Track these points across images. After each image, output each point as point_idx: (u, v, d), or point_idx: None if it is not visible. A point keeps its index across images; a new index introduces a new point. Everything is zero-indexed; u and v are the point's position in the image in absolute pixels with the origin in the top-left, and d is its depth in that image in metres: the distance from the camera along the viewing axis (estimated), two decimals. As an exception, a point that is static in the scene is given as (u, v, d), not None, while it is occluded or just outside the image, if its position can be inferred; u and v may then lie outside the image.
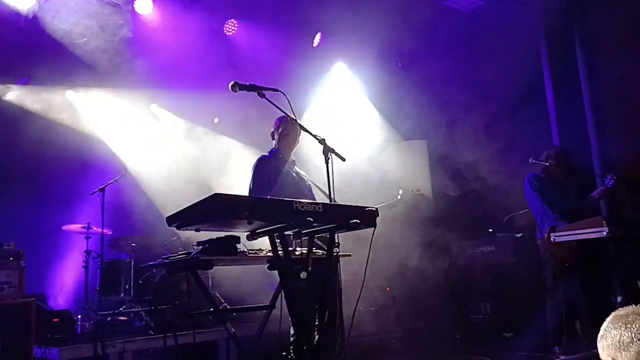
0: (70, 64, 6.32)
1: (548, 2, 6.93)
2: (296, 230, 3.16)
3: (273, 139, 4.62)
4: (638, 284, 4.58)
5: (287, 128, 4.49)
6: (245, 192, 4.35)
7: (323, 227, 3.15)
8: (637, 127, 5.67)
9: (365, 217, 3.21)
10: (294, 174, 4.55)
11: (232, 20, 7.32)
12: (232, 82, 3.28)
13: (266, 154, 4.58)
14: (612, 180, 5.19)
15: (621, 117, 6.15)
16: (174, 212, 2.86)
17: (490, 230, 7.41)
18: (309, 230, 3.19)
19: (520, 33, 6.81)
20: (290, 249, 3.20)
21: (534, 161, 5.39)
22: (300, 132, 4.44)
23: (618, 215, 5.28)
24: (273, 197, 3.19)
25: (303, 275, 2.98)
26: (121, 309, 6.16)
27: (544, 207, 5.19)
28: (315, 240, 3.58)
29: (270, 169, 4.41)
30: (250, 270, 6.95)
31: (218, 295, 6.46)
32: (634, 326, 1.64)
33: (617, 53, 6.31)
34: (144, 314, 5.96)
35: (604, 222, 4.44)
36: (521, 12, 7.14)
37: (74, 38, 5.90)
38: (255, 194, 4.24)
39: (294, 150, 4.62)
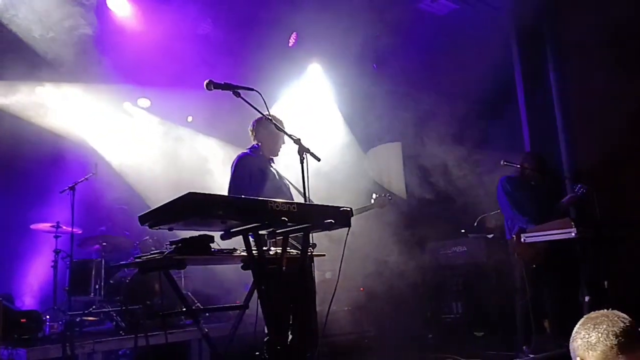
0: (38, 60, 6.19)
1: (521, 8, 7.05)
2: (270, 229, 3.15)
3: (254, 137, 4.59)
4: (605, 284, 4.68)
5: (277, 136, 4.43)
6: (223, 191, 4.33)
7: (297, 227, 3.15)
8: (605, 131, 5.81)
9: (339, 217, 3.22)
10: (274, 172, 4.54)
11: (207, 19, 7.26)
12: (207, 81, 3.26)
13: (246, 151, 4.54)
14: (582, 190, 5.32)
15: (590, 122, 6.29)
16: (147, 210, 2.83)
17: (463, 231, 7.51)
18: (283, 230, 3.18)
19: (493, 37, 6.91)
20: (264, 248, 3.19)
21: (506, 163, 5.46)
22: (284, 139, 4.42)
23: (586, 216, 5.40)
24: (248, 197, 3.17)
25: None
26: (91, 309, 6.05)
27: (514, 210, 5.28)
28: (291, 240, 3.58)
29: (250, 166, 4.37)
30: (224, 270, 6.92)
31: (191, 295, 6.40)
32: (601, 327, 1.73)
33: (587, 58, 6.45)
34: (114, 315, 5.87)
35: (573, 223, 4.54)
36: (494, 17, 7.26)
37: (39, 33, 5.79)
38: (235, 191, 4.21)
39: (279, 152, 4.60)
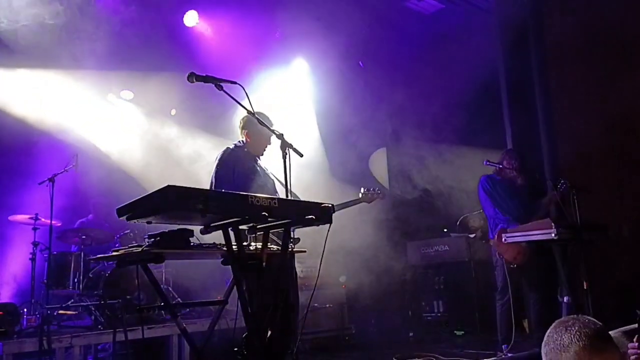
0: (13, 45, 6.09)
1: (505, 8, 7.11)
2: (251, 225, 3.12)
3: (241, 132, 4.55)
4: (584, 284, 4.73)
5: (263, 133, 4.38)
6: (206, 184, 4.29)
7: (278, 223, 3.13)
8: (587, 131, 5.87)
9: (321, 213, 3.20)
10: (259, 168, 4.51)
11: (193, 10, 7.21)
12: (189, 73, 3.21)
13: (231, 146, 4.51)
14: (564, 185, 5.34)
15: (572, 122, 6.35)
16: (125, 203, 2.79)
17: (445, 230, 7.55)
18: (264, 225, 3.16)
19: (478, 37, 6.94)
20: (245, 243, 3.16)
21: (488, 163, 5.48)
22: (272, 135, 4.37)
23: (566, 217, 5.45)
24: (229, 191, 3.14)
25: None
26: (69, 303, 5.97)
27: (496, 210, 5.31)
28: (271, 235, 3.55)
29: (235, 161, 4.34)
30: (206, 265, 6.88)
31: (171, 290, 6.35)
32: (573, 328, 1.76)
33: (570, 58, 6.52)
34: (93, 309, 5.80)
35: (553, 224, 4.57)
36: (480, 17, 7.30)
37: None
38: (219, 184, 4.17)
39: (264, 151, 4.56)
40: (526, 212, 5.33)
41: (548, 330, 1.86)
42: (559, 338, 1.77)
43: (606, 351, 1.74)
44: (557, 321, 1.87)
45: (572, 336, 1.74)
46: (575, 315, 1.86)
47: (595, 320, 1.82)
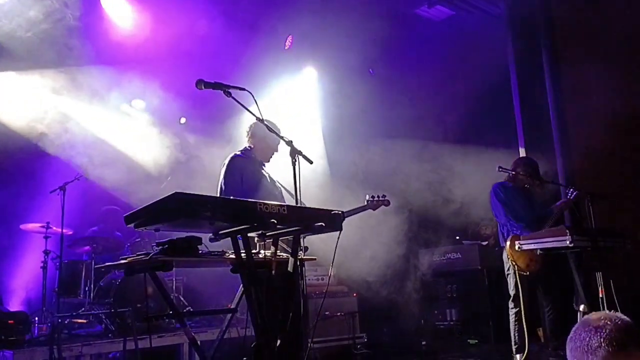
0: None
1: (515, 14, 7.07)
2: (260, 232, 3.09)
3: (249, 139, 4.54)
4: (600, 292, 4.64)
5: (271, 140, 4.37)
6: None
7: (287, 230, 3.10)
8: (600, 138, 5.78)
9: (331, 220, 3.16)
10: (266, 176, 4.49)
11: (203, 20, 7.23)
12: (197, 80, 3.21)
13: (238, 152, 4.49)
14: (574, 193, 5.29)
15: (585, 128, 6.26)
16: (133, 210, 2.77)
17: (457, 237, 7.47)
18: (273, 232, 3.13)
19: (488, 43, 6.90)
20: (254, 251, 3.13)
21: (501, 169, 5.43)
22: (279, 143, 4.35)
23: (581, 225, 5.36)
24: (238, 198, 3.12)
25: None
26: (80, 311, 5.97)
27: (508, 217, 5.25)
28: (281, 243, 3.52)
29: (243, 168, 4.33)
30: (216, 273, 6.85)
31: (182, 298, 6.33)
32: (604, 331, 1.65)
33: (581, 64, 6.45)
34: (103, 317, 5.79)
35: (568, 231, 4.50)
36: (490, 23, 7.26)
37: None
38: (227, 192, 4.15)
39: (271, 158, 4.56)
40: (539, 220, 5.26)
41: (576, 326, 1.74)
42: (587, 338, 1.66)
43: (634, 357, 1.64)
44: (586, 317, 1.75)
45: (601, 339, 1.63)
46: (606, 313, 1.74)
47: (627, 319, 1.70)
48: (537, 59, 6.93)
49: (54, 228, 6.23)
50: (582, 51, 6.52)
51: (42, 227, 6.27)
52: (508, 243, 5.18)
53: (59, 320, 5.46)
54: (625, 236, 5.01)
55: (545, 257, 4.99)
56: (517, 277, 5.12)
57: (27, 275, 6.86)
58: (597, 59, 6.17)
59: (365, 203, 5.34)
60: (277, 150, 4.47)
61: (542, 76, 6.83)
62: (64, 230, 5.98)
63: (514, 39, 7.16)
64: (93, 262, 6.31)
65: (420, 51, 7.58)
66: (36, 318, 5.73)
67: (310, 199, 4.35)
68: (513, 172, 5.40)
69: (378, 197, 5.34)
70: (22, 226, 6.52)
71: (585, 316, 1.77)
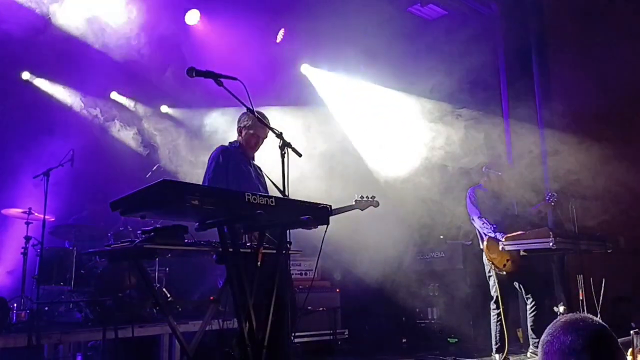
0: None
1: (507, 15, 7.11)
2: (247, 223, 3.07)
3: (238, 131, 4.50)
4: (580, 294, 4.70)
5: (258, 130, 4.32)
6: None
7: (273, 222, 3.09)
8: (588, 140, 5.83)
9: (318, 213, 3.16)
10: (252, 168, 4.46)
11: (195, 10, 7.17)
12: (189, 67, 3.17)
13: (226, 144, 4.45)
14: (552, 196, 5.36)
15: (573, 130, 6.32)
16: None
17: (442, 237, 7.51)
18: (260, 223, 3.11)
19: (479, 43, 6.93)
20: (240, 242, 3.12)
21: (487, 170, 5.49)
22: (267, 133, 4.30)
23: (563, 227, 5.42)
24: (224, 188, 3.10)
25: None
26: (60, 299, 5.90)
27: (482, 219, 5.31)
28: (268, 235, 3.50)
29: (229, 160, 4.28)
30: (199, 265, 6.82)
31: (165, 290, 6.28)
32: (583, 332, 1.64)
33: (572, 66, 6.51)
34: (83, 305, 5.73)
35: (551, 233, 4.55)
36: (481, 23, 7.30)
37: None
38: (212, 182, 4.12)
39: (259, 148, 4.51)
40: (511, 222, 5.33)
41: (551, 328, 1.73)
42: (568, 340, 1.65)
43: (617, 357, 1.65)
44: (562, 320, 1.74)
45: (581, 340, 1.63)
46: (582, 315, 1.74)
47: (604, 324, 1.71)
48: (527, 62, 6.99)
49: (36, 214, 6.14)
50: (572, 54, 6.57)
51: (24, 212, 6.16)
52: (485, 244, 5.25)
53: (38, 307, 5.39)
54: (606, 240, 5.09)
55: (524, 258, 5.05)
56: (497, 278, 5.18)
57: (6, 262, 6.77)
58: (586, 62, 6.23)
59: (354, 202, 5.33)
60: (263, 140, 4.41)
61: (532, 77, 6.90)
62: (46, 217, 5.89)
63: (506, 39, 7.22)
64: (75, 250, 6.22)
65: (411, 49, 7.58)
66: (14, 305, 5.64)
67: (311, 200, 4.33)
68: (500, 173, 5.48)
69: (367, 197, 5.34)
70: (3, 211, 6.41)
71: (561, 319, 1.76)
